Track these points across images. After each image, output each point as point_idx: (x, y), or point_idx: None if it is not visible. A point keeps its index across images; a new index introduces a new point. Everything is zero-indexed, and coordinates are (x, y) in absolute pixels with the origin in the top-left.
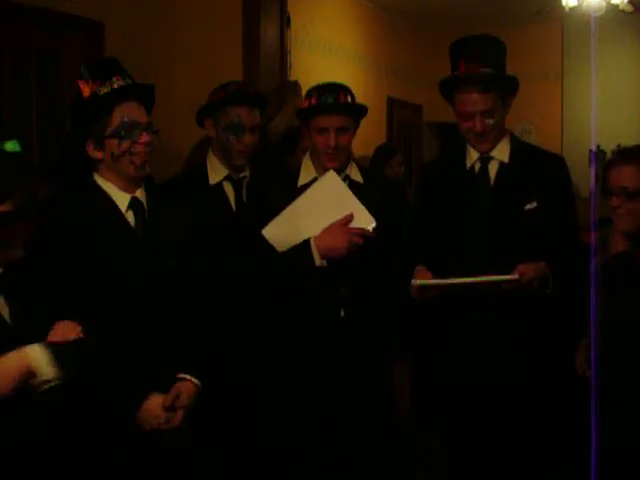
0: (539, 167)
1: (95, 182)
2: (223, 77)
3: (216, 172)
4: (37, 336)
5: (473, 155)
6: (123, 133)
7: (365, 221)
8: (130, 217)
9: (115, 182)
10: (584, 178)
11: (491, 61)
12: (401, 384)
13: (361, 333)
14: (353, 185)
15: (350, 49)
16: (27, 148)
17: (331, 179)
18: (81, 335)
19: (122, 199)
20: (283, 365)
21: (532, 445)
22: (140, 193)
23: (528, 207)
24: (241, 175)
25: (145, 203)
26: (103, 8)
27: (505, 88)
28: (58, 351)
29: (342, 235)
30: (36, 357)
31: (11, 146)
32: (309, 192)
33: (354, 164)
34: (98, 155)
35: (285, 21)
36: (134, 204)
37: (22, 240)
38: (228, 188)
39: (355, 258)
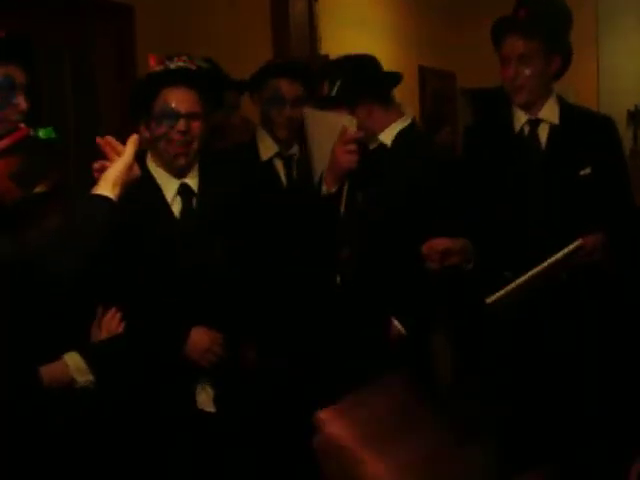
0: (590, 130)
1: (147, 166)
2: (253, 54)
3: (266, 147)
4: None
5: (521, 118)
6: (161, 118)
7: (346, 123)
8: (177, 205)
9: (163, 167)
10: (622, 138)
11: (545, 17)
12: (441, 351)
13: (357, 306)
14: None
15: (379, 20)
16: (62, 135)
17: (310, 116)
18: (121, 330)
19: (170, 186)
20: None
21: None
22: (192, 178)
23: (583, 173)
24: (291, 152)
25: (196, 187)
26: None
27: (552, 45)
28: (95, 357)
29: (335, 153)
30: (74, 366)
31: (45, 133)
32: (311, 138)
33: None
34: (147, 134)
35: None
36: (182, 191)
37: (56, 222)
38: (279, 165)
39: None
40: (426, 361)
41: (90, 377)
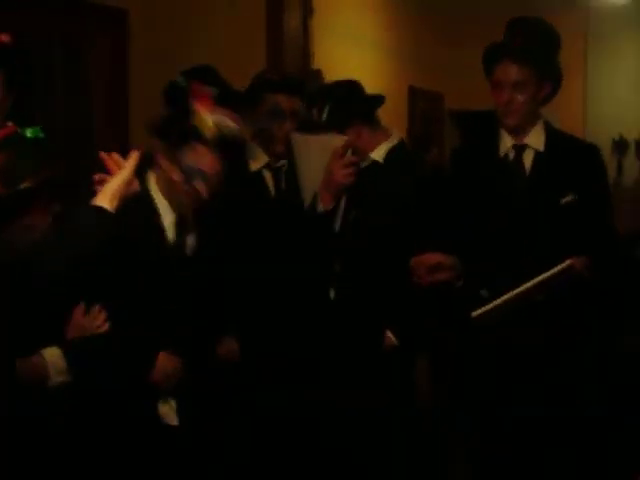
0: (575, 157)
1: (146, 185)
2: (246, 65)
3: (256, 159)
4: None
5: (507, 142)
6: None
7: (338, 143)
8: (171, 232)
9: (168, 199)
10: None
11: (536, 40)
12: (421, 368)
13: (352, 320)
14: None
15: (372, 37)
16: (52, 135)
17: (298, 141)
18: (104, 327)
19: (168, 216)
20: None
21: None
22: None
23: (565, 200)
24: (280, 163)
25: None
26: None
27: (544, 71)
28: (77, 355)
29: (332, 170)
30: (53, 363)
31: (33, 132)
32: (300, 161)
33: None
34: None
35: (308, 9)
36: (180, 222)
37: (45, 223)
38: (267, 176)
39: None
40: (409, 377)
41: (66, 377)
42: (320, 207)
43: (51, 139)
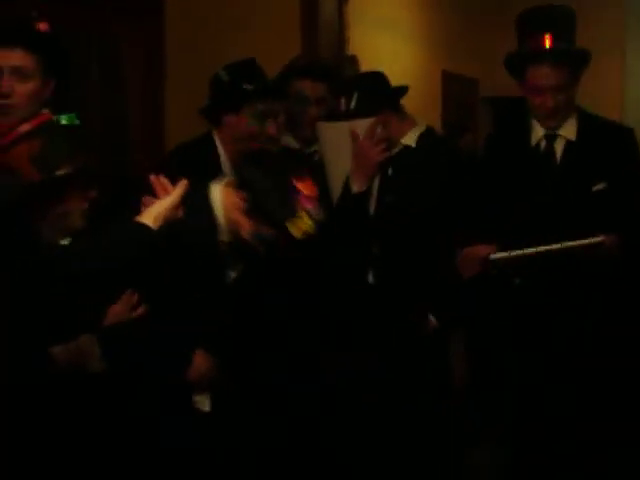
0: (608, 142)
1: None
2: (281, 52)
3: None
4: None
5: (538, 132)
6: None
7: (365, 126)
8: None
9: None
10: None
11: (563, 33)
12: (457, 352)
13: (391, 303)
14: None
15: (407, 22)
16: (88, 124)
17: (324, 129)
18: (140, 312)
19: None
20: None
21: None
22: None
23: (597, 188)
24: (312, 149)
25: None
26: None
27: (577, 62)
28: (110, 343)
29: (363, 149)
30: (88, 350)
31: (68, 119)
32: (325, 149)
33: None
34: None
35: None
36: None
37: (81, 210)
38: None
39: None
40: (445, 360)
41: (101, 364)
42: (354, 189)
43: (87, 129)
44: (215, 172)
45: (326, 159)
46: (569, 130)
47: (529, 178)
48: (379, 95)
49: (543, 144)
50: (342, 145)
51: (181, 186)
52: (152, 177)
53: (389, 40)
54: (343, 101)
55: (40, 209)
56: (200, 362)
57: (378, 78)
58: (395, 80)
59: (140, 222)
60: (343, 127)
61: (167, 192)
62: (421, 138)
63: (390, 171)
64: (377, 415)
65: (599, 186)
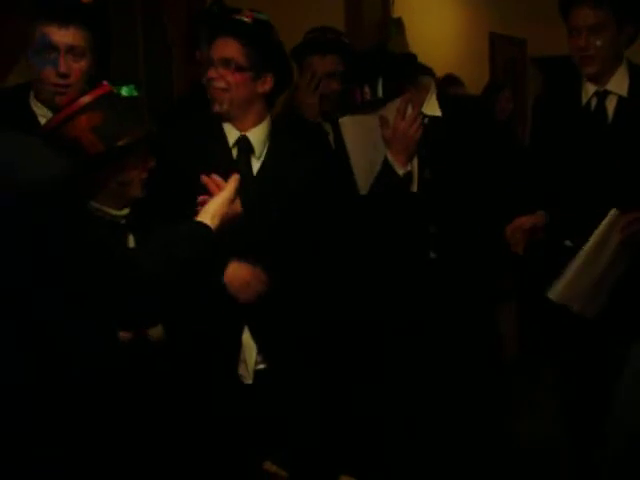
0: None
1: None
2: (325, 14)
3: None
4: None
5: (589, 90)
6: (205, 67)
7: (391, 110)
8: (234, 154)
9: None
10: None
11: None
12: (507, 326)
13: (454, 276)
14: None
15: None
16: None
17: (347, 124)
18: None
19: (231, 135)
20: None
21: None
22: (254, 133)
23: None
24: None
25: (258, 145)
26: None
27: (624, 12)
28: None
29: (399, 130)
30: None
31: (127, 90)
32: (350, 147)
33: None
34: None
35: None
36: (240, 142)
37: (140, 179)
38: (327, 128)
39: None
40: (494, 330)
41: (162, 332)
42: (401, 171)
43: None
44: None
45: (352, 154)
46: (620, 86)
47: (580, 139)
48: (402, 74)
49: (594, 102)
50: (368, 135)
51: (233, 180)
52: (204, 177)
53: (435, 2)
54: (367, 91)
55: (102, 179)
56: (238, 271)
57: (391, 57)
58: (442, 43)
59: (199, 222)
60: (371, 118)
61: (220, 189)
62: (445, 105)
63: (424, 147)
64: (425, 384)
65: None
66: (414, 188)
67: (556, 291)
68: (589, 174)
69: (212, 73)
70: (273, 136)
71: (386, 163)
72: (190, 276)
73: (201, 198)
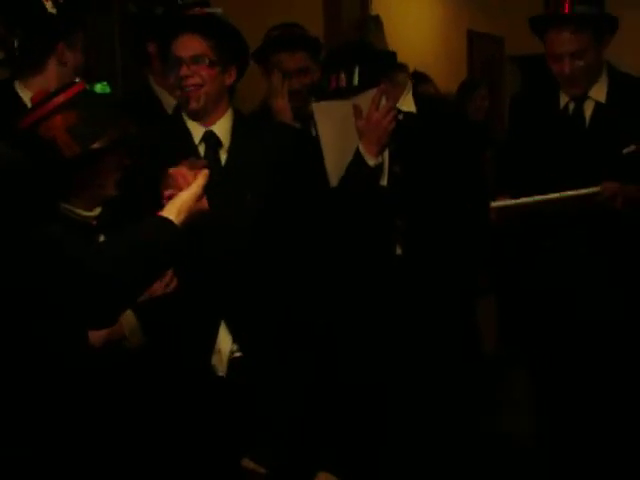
0: (639, 103)
1: (179, 115)
2: (303, 12)
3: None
4: None
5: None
6: (171, 66)
7: (365, 100)
8: (201, 150)
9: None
10: None
11: (592, 4)
12: (486, 318)
13: (421, 273)
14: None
15: None
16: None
17: (319, 109)
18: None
19: (196, 132)
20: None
21: (625, 385)
22: (219, 127)
23: (627, 150)
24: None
25: (225, 137)
26: None
27: (601, 27)
28: (148, 316)
29: (372, 121)
30: (129, 323)
31: (101, 88)
32: (321, 132)
33: None
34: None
35: None
36: (207, 138)
37: (114, 179)
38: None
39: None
40: (473, 325)
41: (142, 337)
42: (372, 162)
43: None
44: None
45: (323, 139)
46: (598, 92)
47: (556, 142)
48: (379, 66)
49: (571, 106)
50: (341, 123)
51: (203, 176)
52: (171, 170)
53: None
54: (343, 77)
55: (78, 183)
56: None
57: (370, 49)
58: (420, 40)
59: (162, 217)
60: (345, 105)
61: (188, 183)
62: (421, 103)
63: (396, 141)
64: (404, 380)
65: (630, 148)
66: (384, 182)
67: (499, 204)
68: (563, 177)
69: (185, 71)
70: (237, 125)
71: (357, 153)
72: (153, 270)
73: (167, 192)
